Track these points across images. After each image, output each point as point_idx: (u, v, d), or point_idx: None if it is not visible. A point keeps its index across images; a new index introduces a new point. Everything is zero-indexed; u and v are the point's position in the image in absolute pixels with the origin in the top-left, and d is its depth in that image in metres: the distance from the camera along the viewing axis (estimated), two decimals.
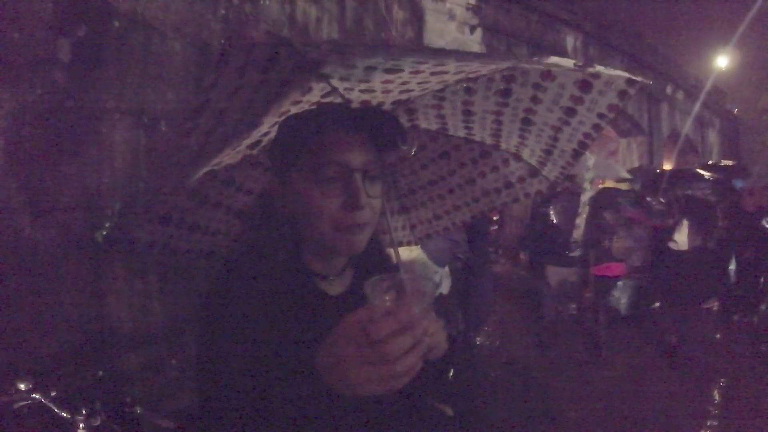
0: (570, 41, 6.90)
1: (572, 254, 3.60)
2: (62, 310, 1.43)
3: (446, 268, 2.96)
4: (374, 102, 0.94)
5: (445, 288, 2.94)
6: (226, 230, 1.20)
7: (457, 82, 0.99)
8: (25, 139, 1.36)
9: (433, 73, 0.84)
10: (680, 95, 9.89)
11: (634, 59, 8.11)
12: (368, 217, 0.72)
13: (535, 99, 1.02)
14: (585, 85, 0.95)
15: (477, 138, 1.27)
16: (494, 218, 5.10)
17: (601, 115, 1.02)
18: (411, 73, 0.81)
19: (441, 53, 0.83)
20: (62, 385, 1.14)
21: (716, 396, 2.99)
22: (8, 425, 1.02)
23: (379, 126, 0.74)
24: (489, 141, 1.27)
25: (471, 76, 0.94)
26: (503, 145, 1.28)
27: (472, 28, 5.44)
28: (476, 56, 1.22)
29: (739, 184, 4.83)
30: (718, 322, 4.22)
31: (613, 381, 3.21)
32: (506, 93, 1.03)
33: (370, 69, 0.77)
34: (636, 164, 7.99)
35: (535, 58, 0.79)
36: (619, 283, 3.98)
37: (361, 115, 0.74)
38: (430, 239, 1.64)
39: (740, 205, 4.17)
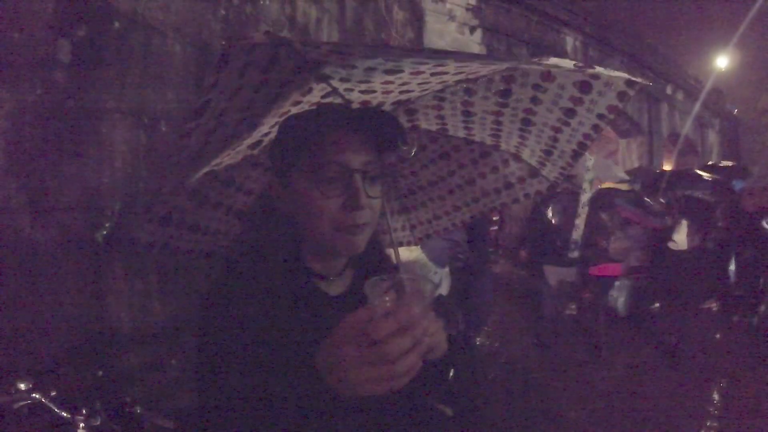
0: (570, 42, 6.91)
1: (572, 255, 3.60)
2: (62, 309, 1.43)
3: (446, 269, 2.96)
4: (374, 102, 0.94)
5: (444, 289, 2.94)
6: (226, 230, 1.20)
7: (457, 82, 0.99)
8: (25, 139, 1.36)
9: (433, 74, 0.84)
10: (680, 95, 9.90)
11: (633, 59, 8.11)
12: (368, 218, 0.72)
13: (534, 100, 1.02)
14: (585, 86, 0.95)
15: (477, 138, 1.27)
16: (494, 218, 5.10)
17: (600, 116, 1.02)
18: (411, 73, 0.82)
19: (441, 54, 0.83)
20: (62, 384, 1.14)
21: (716, 396, 3.00)
22: (8, 425, 1.02)
23: (379, 126, 0.74)
24: (489, 141, 1.28)
25: (471, 76, 0.94)
26: (503, 146, 1.29)
27: (472, 29, 5.44)
28: (476, 57, 1.22)
29: (739, 184, 4.83)
30: (718, 322, 4.22)
31: (613, 381, 3.21)
32: (506, 94, 1.03)
33: (371, 70, 0.78)
34: (636, 165, 7.99)
35: (535, 59, 0.79)
36: (617, 283, 3.98)
37: (361, 116, 0.74)
38: (430, 239, 1.64)
39: (740, 206, 4.17)
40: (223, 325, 0.67)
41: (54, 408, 1.04)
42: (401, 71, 0.80)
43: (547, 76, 0.96)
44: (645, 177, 4.78)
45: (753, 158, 12.02)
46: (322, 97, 0.86)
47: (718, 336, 4.00)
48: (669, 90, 9.48)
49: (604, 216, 3.61)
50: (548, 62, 0.80)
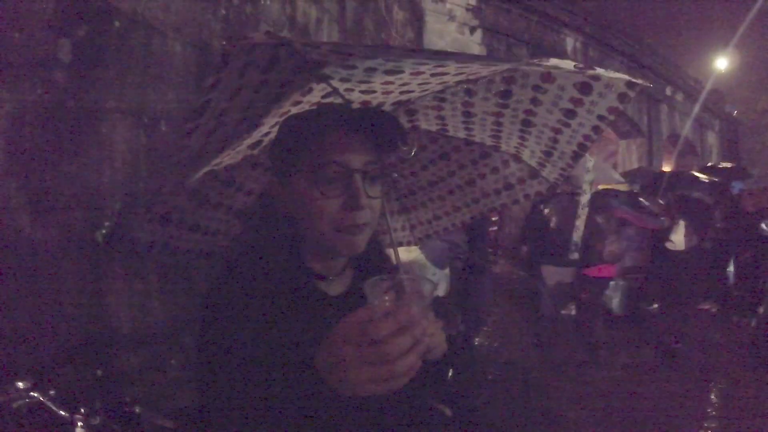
0: (570, 42, 6.91)
1: (572, 257, 3.61)
2: (62, 309, 1.43)
3: (445, 270, 2.96)
4: (374, 102, 0.94)
5: (441, 290, 2.94)
6: (226, 230, 1.20)
7: (458, 83, 0.99)
8: (25, 139, 1.36)
9: (433, 75, 0.84)
10: (680, 97, 9.91)
11: (633, 60, 8.12)
12: (368, 218, 0.73)
13: (535, 101, 1.02)
14: (585, 87, 0.95)
15: (477, 139, 1.27)
16: (493, 219, 5.10)
17: (600, 117, 1.02)
18: (411, 74, 0.82)
19: (441, 55, 0.83)
20: (61, 384, 1.14)
21: (715, 397, 3.00)
22: (7, 424, 1.02)
23: (379, 126, 0.74)
24: (489, 142, 1.28)
25: (471, 77, 0.94)
26: (503, 147, 1.29)
27: (472, 29, 5.44)
28: (476, 58, 1.22)
29: (738, 185, 4.84)
30: (717, 322, 4.22)
31: (612, 381, 3.21)
32: (506, 95, 1.03)
33: (371, 70, 0.78)
34: (635, 166, 8.00)
35: (535, 60, 0.79)
36: (612, 282, 3.99)
37: (362, 116, 0.74)
38: (429, 241, 1.64)
39: (739, 207, 4.18)
40: (223, 325, 0.67)
41: (53, 407, 1.04)
42: (401, 72, 0.80)
43: (548, 77, 0.96)
44: (644, 178, 4.79)
45: (753, 159, 12.04)
46: (323, 97, 0.86)
47: (717, 337, 4.00)
48: (669, 91, 9.50)
49: (599, 219, 3.62)
50: (548, 63, 0.80)
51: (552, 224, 3.73)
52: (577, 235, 3.57)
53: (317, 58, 0.72)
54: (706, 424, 2.68)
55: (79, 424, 1.04)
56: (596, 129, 1.06)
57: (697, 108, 9.45)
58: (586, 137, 1.10)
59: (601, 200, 3.72)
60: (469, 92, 1.05)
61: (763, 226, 4.01)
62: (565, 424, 2.70)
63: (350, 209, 0.70)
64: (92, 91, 1.53)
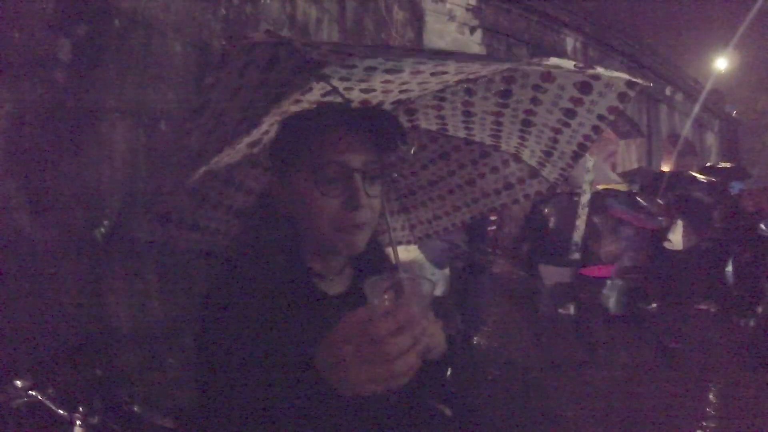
0: (570, 42, 6.92)
1: (572, 257, 3.61)
2: (61, 308, 1.43)
3: (445, 270, 2.96)
4: (374, 102, 0.94)
5: (440, 291, 2.94)
6: (226, 230, 1.20)
7: (458, 82, 0.99)
8: (25, 139, 1.36)
9: (433, 74, 0.84)
10: (679, 97, 9.91)
11: (633, 60, 8.13)
12: (368, 217, 0.73)
13: (535, 100, 1.02)
14: (585, 87, 0.95)
15: (477, 139, 1.27)
16: (492, 218, 5.11)
17: (600, 117, 1.02)
18: (411, 73, 0.82)
19: (441, 54, 0.83)
20: (60, 383, 1.14)
21: (714, 396, 3.00)
22: (6, 423, 1.02)
23: (379, 126, 0.74)
24: (489, 142, 1.28)
25: (471, 77, 0.94)
26: (503, 146, 1.29)
27: (472, 29, 5.44)
28: (476, 57, 1.22)
29: (738, 185, 4.84)
30: (716, 323, 4.22)
31: (612, 381, 3.21)
32: (506, 94, 1.03)
33: (371, 69, 0.77)
34: (635, 166, 8.00)
35: (535, 60, 0.79)
36: (608, 282, 4.00)
37: (361, 115, 0.74)
38: (429, 241, 1.64)
39: (738, 207, 4.18)
40: (222, 325, 0.66)
41: (52, 406, 1.04)
42: (401, 71, 0.80)
43: (547, 76, 0.96)
44: (644, 178, 4.79)
45: (752, 159, 12.05)
46: (322, 96, 0.86)
47: (716, 337, 4.00)
48: (668, 91, 9.50)
49: (596, 219, 3.63)
50: (548, 63, 0.80)
51: (551, 224, 3.74)
52: (577, 235, 3.58)
53: (317, 58, 0.72)
54: (705, 424, 2.68)
55: (78, 423, 1.05)
56: (596, 129, 1.06)
57: (696, 108, 9.46)
58: (586, 137, 1.09)
59: (597, 201, 3.73)
60: (469, 92, 1.05)
61: (762, 226, 4.01)
62: (564, 423, 2.71)
63: (350, 209, 0.70)
64: (92, 91, 1.53)
